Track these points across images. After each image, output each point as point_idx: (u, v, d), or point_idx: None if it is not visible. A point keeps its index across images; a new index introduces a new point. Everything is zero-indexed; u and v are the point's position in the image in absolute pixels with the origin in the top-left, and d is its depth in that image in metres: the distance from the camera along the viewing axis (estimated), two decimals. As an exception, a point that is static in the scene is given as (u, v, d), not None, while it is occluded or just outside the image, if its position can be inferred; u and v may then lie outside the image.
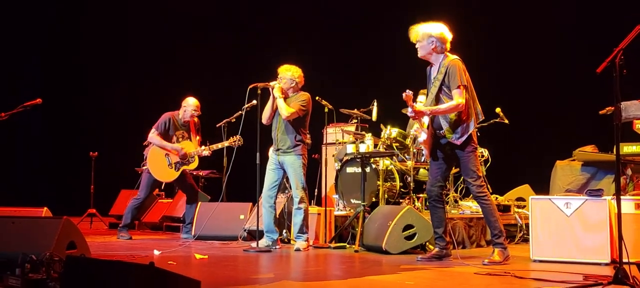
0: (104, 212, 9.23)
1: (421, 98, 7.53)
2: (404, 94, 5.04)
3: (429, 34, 5.20)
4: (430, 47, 5.21)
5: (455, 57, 5.22)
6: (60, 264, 3.41)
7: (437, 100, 5.20)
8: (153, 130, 7.32)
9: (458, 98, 5.05)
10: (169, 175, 7.33)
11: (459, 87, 5.06)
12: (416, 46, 5.29)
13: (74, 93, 11.45)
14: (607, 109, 5.67)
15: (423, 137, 5.35)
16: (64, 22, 11.68)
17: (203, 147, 7.40)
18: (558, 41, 9.00)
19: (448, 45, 5.24)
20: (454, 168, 5.72)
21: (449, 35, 5.24)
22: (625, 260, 3.58)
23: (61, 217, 3.90)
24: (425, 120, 5.39)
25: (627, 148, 5.72)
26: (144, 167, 7.54)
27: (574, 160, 6.92)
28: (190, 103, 7.40)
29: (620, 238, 3.61)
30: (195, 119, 7.49)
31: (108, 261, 3.53)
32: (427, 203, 7.05)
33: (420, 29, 5.25)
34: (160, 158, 7.29)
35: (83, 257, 3.25)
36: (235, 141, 7.15)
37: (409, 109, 5.18)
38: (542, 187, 7.20)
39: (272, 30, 11.01)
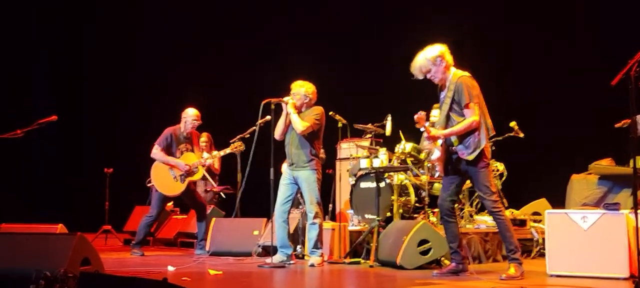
0: (119, 228, 9.26)
1: (435, 112, 7.53)
2: (415, 116, 5.03)
3: (433, 59, 5.16)
4: (442, 67, 5.17)
5: (464, 73, 5.18)
6: (74, 280, 3.42)
7: (447, 119, 5.17)
8: (156, 146, 7.32)
9: (469, 116, 5.03)
10: (175, 188, 7.32)
11: (467, 105, 5.03)
12: (428, 77, 5.23)
13: (89, 109, 11.56)
14: (623, 121, 5.63)
15: (436, 154, 5.32)
16: (76, 36, 11.82)
17: (206, 156, 7.41)
18: (573, 53, 8.93)
19: (451, 60, 5.21)
20: (466, 183, 5.68)
21: (443, 50, 5.19)
22: (644, 274, 3.53)
23: (75, 233, 3.91)
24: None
25: (645, 161, 5.64)
26: (150, 184, 7.56)
27: (590, 173, 6.85)
28: (190, 114, 7.41)
29: (639, 252, 3.55)
30: (205, 136, 7.50)
31: (122, 277, 3.53)
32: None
33: (418, 62, 5.21)
34: (165, 173, 7.30)
35: (97, 273, 3.25)
36: (237, 147, 7.16)
37: (423, 136, 5.17)
38: (558, 200, 7.13)
39: (285, 43, 11.05)
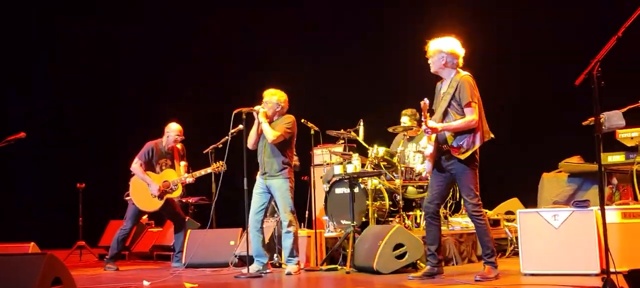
0: (94, 243, 9.16)
1: (404, 119, 7.59)
2: (421, 103, 4.99)
3: (439, 49, 5.19)
4: (440, 62, 5.19)
5: (466, 73, 5.20)
6: (45, 301, 3.36)
7: (445, 115, 5.16)
8: (136, 160, 7.27)
9: (471, 114, 5.04)
10: (153, 204, 7.27)
11: (469, 104, 5.05)
12: (429, 61, 5.26)
13: (59, 124, 11.43)
14: (589, 119, 5.71)
15: (429, 149, 5.28)
16: (50, 50, 11.69)
17: (186, 175, 7.37)
18: (542, 52, 9.06)
19: (460, 61, 5.22)
20: (453, 185, 5.68)
21: (460, 51, 5.21)
22: (612, 269, 3.58)
23: (44, 252, 3.85)
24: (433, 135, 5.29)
25: (611, 158, 5.74)
26: (128, 198, 7.49)
27: (560, 171, 6.94)
28: (173, 129, 7.37)
29: (607, 248, 3.62)
30: (179, 145, 7.46)
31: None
32: (418, 221, 7.09)
33: (432, 44, 5.24)
34: (143, 188, 7.24)
35: (67, 292, 3.20)
36: (218, 167, 7.15)
37: (423, 126, 5.12)
38: (530, 199, 7.21)
39: (256, 53, 11.05)
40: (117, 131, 11.23)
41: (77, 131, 11.49)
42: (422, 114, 5.04)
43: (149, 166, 7.27)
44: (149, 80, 11.41)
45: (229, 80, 11.20)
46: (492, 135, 5.23)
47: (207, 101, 11.08)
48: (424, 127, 5.10)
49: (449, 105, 5.15)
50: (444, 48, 5.19)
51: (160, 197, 7.22)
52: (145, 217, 8.55)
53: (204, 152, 7.70)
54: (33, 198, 11.23)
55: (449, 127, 5.09)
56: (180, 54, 11.51)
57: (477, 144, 5.08)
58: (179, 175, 7.32)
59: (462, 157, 5.07)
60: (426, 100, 5.00)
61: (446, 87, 5.22)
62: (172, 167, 7.37)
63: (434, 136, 5.23)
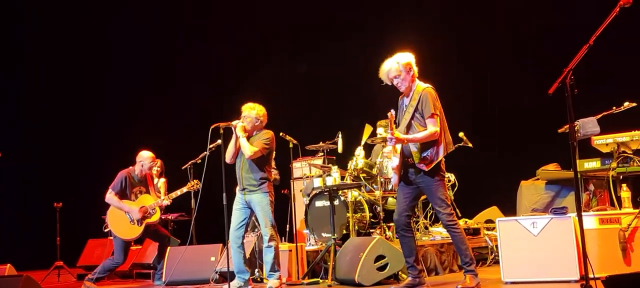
0: (72, 263, 9.03)
1: (380, 130, 7.62)
2: (389, 114, 5.02)
3: (405, 65, 5.19)
4: (409, 77, 5.21)
5: (427, 85, 5.23)
6: (21, 324, 3.31)
7: (409, 128, 5.20)
8: (110, 190, 7.15)
9: (432, 126, 5.07)
10: (132, 232, 7.16)
11: (432, 115, 5.08)
12: (394, 83, 5.24)
13: (35, 143, 11.30)
14: (564, 127, 5.76)
15: (395, 162, 5.28)
16: (25, 69, 11.58)
17: (163, 198, 7.30)
18: (518, 61, 9.16)
19: (416, 71, 5.27)
20: (421, 197, 5.71)
21: (413, 61, 5.26)
22: (591, 276, 3.61)
23: (21, 274, 3.79)
24: (398, 146, 5.32)
25: (588, 165, 5.80)
26: (107, 229, 7.39)
27: (538, 179, 6.99)
28: (145, 157, 7.29)
29: (585, 255, 3.65)
30: (158, 162, 7.39)
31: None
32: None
33: (392, 65, 5.21)
34: (121, 217, 7.14)
35: (43, 315, 3.15)
36: (193, 185, 7.11)
37: (388, 134, 5.12)
38: (509, 207, 7.25)
39: (232, 65, 11.06)
40: (94, 149, 11.12)
41: (53, 150, 11.35)
42: (389, 124, 5.07)
43: (123, 195, 7.16)
44: (125, 97, 11.34)
45: (205, 94, 11.19)
46: (453, 147, 5.28)
47: (184, 116, 11.05)
48: (389, 136, 5.11)
49: (413, 117, 5.19)
50: (406, 61, 5.20)
51: (139, 223, 7.14)
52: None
53: (183, 168, 7.66)
54: (9, 218, 11.05)
55: (413, 139, 5.12)
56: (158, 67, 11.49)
57: (441, 155, 5.12)
58: (155, 199, 7.25)
59: (427, 168, 5.10)
60: (392, 111, 5.05)
61: (409, 100, 5.26)
62: (147, 192, 7.29)
63: (399, 148, 5.25)
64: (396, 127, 5.19)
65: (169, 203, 7.34)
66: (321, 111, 10.33)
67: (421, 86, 5.22)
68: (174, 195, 7.29)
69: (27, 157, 11.07)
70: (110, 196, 7.13)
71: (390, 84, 5.28)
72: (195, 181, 7.05)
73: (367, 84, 9.56)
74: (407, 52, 5.28)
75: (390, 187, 7.05)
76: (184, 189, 7.26)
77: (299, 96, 10.60)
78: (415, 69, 5.25)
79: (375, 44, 8.49)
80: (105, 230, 7.51)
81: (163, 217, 8.75)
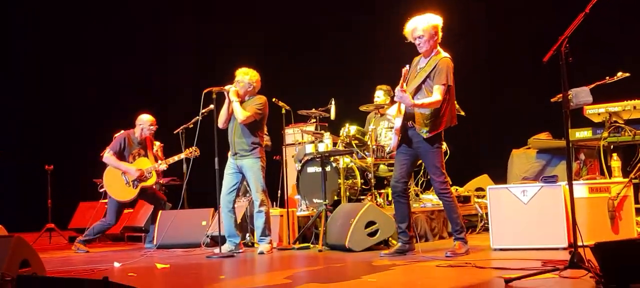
0: (64, 225, 9.04)
1: (379, 93, 7.59)
2: (403, 69, 4.98)
3: (433, 26, 5.10)
4: (433, 41, 5.14)
5: (447, 55, 5.18)
6: (12, 284, 3.32)
7: (417, 90, 5.15)
8: (108, 150, 7.15)
9: (438, 95, 5.02)
10: (127, 193, 7.19)
11: (443, 84, 5.03)
12: (416, 42, 5.16)
13: (27, 105, 11.22)
14: (558, 96, 5.77)
15: (397, 123, 5.24)
16: (19, 25, 11.44)
17: (159, 162, 7.30)
18: (511, 29, 9.11)
19: (440, 37, 5.19)
20: (418, 162, 5.72)
21: (440, 25, 5.16)
22: (580, 243, 3.64)
23: (12, 235, 3.79)
24: (403, 107, 5.24)
25: (579, 134, 5.82)
26: (102, 189, 7.39)
27: (529, 148, 7.03)
28: (145, 120, 7.27)
29: (574, 223, 3.67)
30: (150, 136, 7.37)
31: (60, 278, 3.46)
32: (389, 199, 7.12)
33: (419, 24, 5.11)
34: (117, 178, 7.15)
35: (35, 275, 3.16)
36: (191, 152, 7.10)
37: (397, 89, 5.02)
38: (500, 175, 7.29)
39: (227, 32, 10.95)
40: (85, 112, 11.05)
41: (45, 112, 11.27)
42: (401, 79, 5.00)
43: (121, 157, 7.16)
44: (116, 59, 11.25)
45: (201, 57, 11.12)
46: (456, 122, 5.25)
47: (177, 81, 10.99)
48: (397, 90, 5.04)
49: (424, 82, 5.15)
50: (436, 23, 5.12)
51: (135, 185, 7.14)
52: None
53: (175, 132, 7.64)
54: (0, 180, 11.02)
55: (416, 104, 5.08)
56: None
57: (442, 127, 5.12)
58: (152, 163, 7.25)
59: (426, 135, 5.09)
60: (407, 67, 5.01)
61: (425, 64, 5.21)
62: (146, 156, 7.28)
63: (403, 109, 5.22)
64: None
65: (165, 168, 7.35)
66: (315, 77, 10.27)
67: (441, 54, 5.18)
68: (170, 160, 7.29)
69: (18, 119, 10.99)
70: (108, 156, 7.13)
71: (412, 41, 5.19)
72: (194, 148, 7.05)
73: (364, 51, 9.60)
74: (437, 15, 5.19)
75: (388, 149, 7.00)
76: (182, 155, 7.26)
77: (294, 62, 10.55)
78: (440, 34, 5.18)
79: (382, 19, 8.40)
80: (100, 191, 7.51)
81: (157, 181, 8.75)
